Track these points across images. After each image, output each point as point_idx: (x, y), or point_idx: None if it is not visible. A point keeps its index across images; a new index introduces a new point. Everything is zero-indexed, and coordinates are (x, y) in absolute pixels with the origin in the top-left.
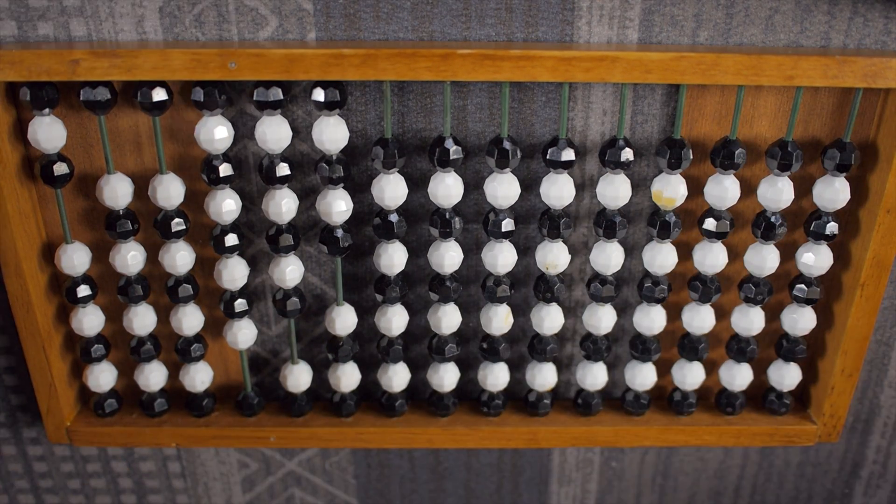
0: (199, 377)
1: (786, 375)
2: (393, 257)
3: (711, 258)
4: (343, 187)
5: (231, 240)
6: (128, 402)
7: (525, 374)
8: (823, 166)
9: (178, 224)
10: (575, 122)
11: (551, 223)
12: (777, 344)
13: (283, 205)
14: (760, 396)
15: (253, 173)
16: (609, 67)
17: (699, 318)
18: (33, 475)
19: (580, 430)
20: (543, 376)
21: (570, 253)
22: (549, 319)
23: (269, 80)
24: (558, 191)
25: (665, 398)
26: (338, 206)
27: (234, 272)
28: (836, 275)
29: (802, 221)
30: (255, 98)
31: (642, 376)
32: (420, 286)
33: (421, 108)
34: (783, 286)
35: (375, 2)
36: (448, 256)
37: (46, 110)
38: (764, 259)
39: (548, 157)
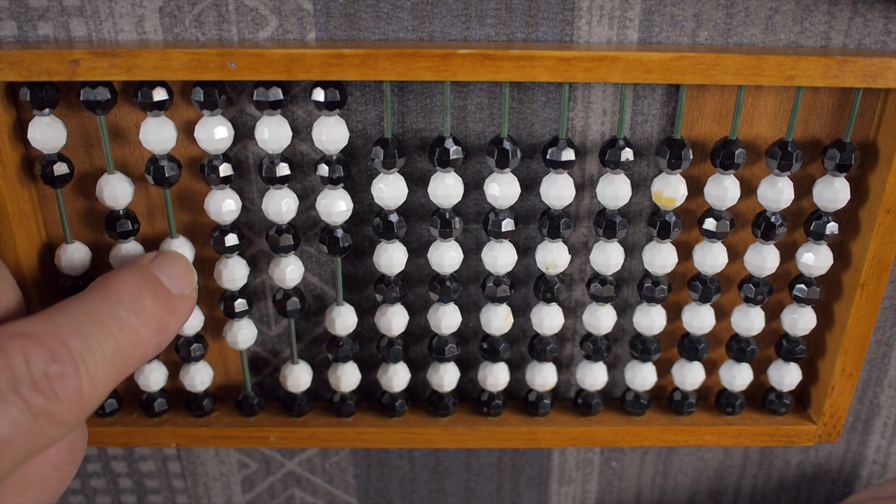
0: (199, 377)
1: (786, 375)
2: (393, 257)
3: (711, 258)
4: (343, 187)
5: (231, 240)
6: (128, 402)
7: (525, 374)
8: (823, 166)
9: None
10: (575, 122)
11: (551, 223)
12: (777, 344)
13: (283, 205)
14: (760, 396)
15: (253, 173)
16: (609, 67)
17: (699, 318)
18: None
19: (580, 430)
20: (543, 376)
21: (570, 253)
22: (549, 319)
23: (269, 80)
24: (558, 191)
25: (665, 398)
26: (338, 206)
27: (234, 272)
28: (836, 275)
29: (802, 221)
30: (255, 98)
31: (642, 376)
32: (420, 286)
33: (421, 108)
34: (783, 286)
35: (375, 2)
36: (448, 256)
37: (46, 110)
38: (764, 259)
39: (548, 157)
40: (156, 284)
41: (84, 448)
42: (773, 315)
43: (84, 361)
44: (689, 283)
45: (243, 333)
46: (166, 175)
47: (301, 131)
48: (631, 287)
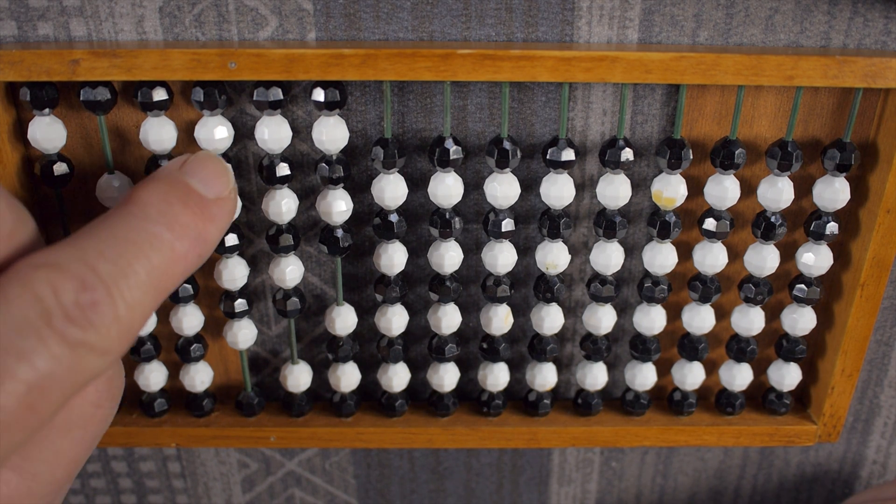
0: (199, 377)
1: (786, 375)
2: (393, 257)
3: (711, 258)
4: (343, 187)
5: (231, 240)
6: (128, 402)
7: (525, 374)
8: (823, 166)
9: None
10: (575, 122)
11: (551, 223)
12: (777, 344)
13: (283, 205)
14: (760, 396)
15: (253, 173)
16: (609, 67)
17: (699, 318)
18: None
19: (580, 430)
20: (543, 376)
21: (570, 253)
22: (549, 319)
23: (269, 80)
24: (558, 191)
25: (665, 398)
26: (338, 206)
27: (234, 272)
28: (836, 275)
29: (802, 221)
30: (255, 98)
31: (642, 376)
32: (420, 286)
33: (421, 108)
34: (783, 286)
35: (375, 2)
36: (448, 256)
37: (46, 110)
38: (764, 259)
39: (548, 157)
40: (186, 191)
41: (122, 384)
42: (773, 315)
43: (116, 285)
44: (689, 283)
45: (243, 333)
46: None
47: (301, 131)
48: (631, 287)
